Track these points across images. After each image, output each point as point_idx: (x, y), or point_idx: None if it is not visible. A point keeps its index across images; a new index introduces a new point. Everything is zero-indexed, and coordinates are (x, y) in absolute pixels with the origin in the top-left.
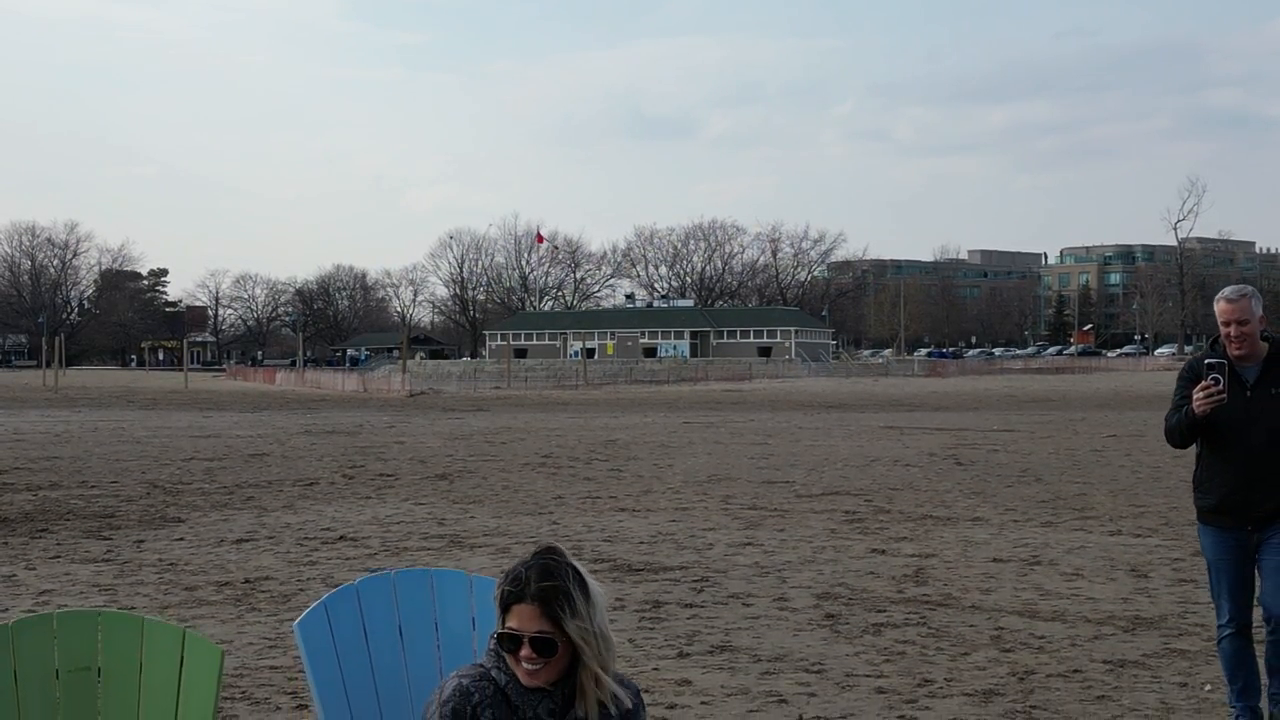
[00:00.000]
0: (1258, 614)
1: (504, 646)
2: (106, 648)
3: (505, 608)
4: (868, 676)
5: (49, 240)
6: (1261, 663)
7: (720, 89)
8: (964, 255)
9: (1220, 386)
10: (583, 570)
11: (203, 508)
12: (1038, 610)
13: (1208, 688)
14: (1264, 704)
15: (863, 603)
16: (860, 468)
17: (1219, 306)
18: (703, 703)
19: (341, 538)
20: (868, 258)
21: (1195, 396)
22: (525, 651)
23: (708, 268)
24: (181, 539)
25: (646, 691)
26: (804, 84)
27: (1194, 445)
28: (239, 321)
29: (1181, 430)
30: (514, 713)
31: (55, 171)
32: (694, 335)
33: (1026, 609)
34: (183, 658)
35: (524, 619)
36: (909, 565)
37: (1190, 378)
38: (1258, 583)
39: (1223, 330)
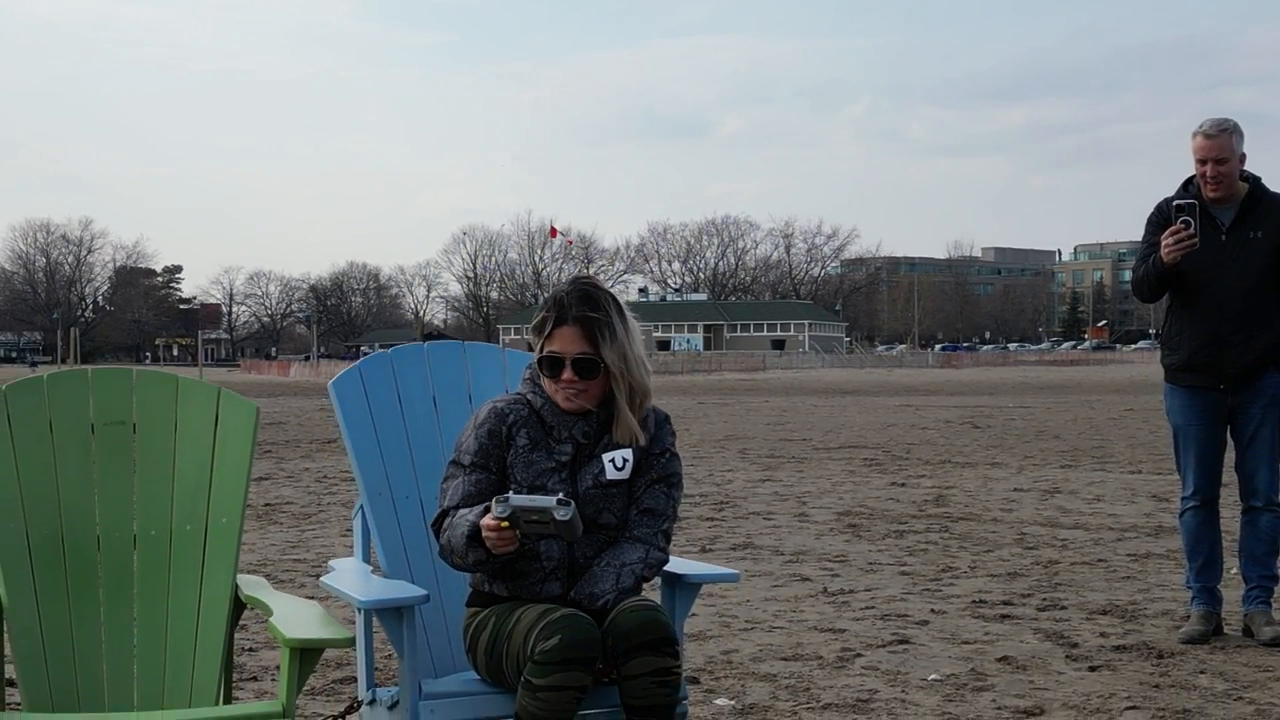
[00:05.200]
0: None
1: (545, 370)
2: (141, 403)
3: (546, 333)
4: (891, 565)
5: (63, 237)
6: (1236, 548)
7: (734, 89)
8: (977, 252)
9: (1191, 230)
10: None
11: None
12: (1060, 522)
13: (1233, 570)
14: (1233, 574)
15: (884, 518)
16: (876, 430)
17: (1195, 142)
18: None
19: None
20: (881, 254)
21: (1164, 242)
22: (566, 374)
23: (721, 263)
24: None
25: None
26: (818, 84)
27: (1165, 299)
28: (253, 318)
29: (1150, 281)
30: (549, 433)
31: (69, 171)
32: (707, 329)
33: (1049, 522)
34: (218, 414)
35: (566, 341)
36: (929, 494)
37: (1159, 222)
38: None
39: (1198, 169)
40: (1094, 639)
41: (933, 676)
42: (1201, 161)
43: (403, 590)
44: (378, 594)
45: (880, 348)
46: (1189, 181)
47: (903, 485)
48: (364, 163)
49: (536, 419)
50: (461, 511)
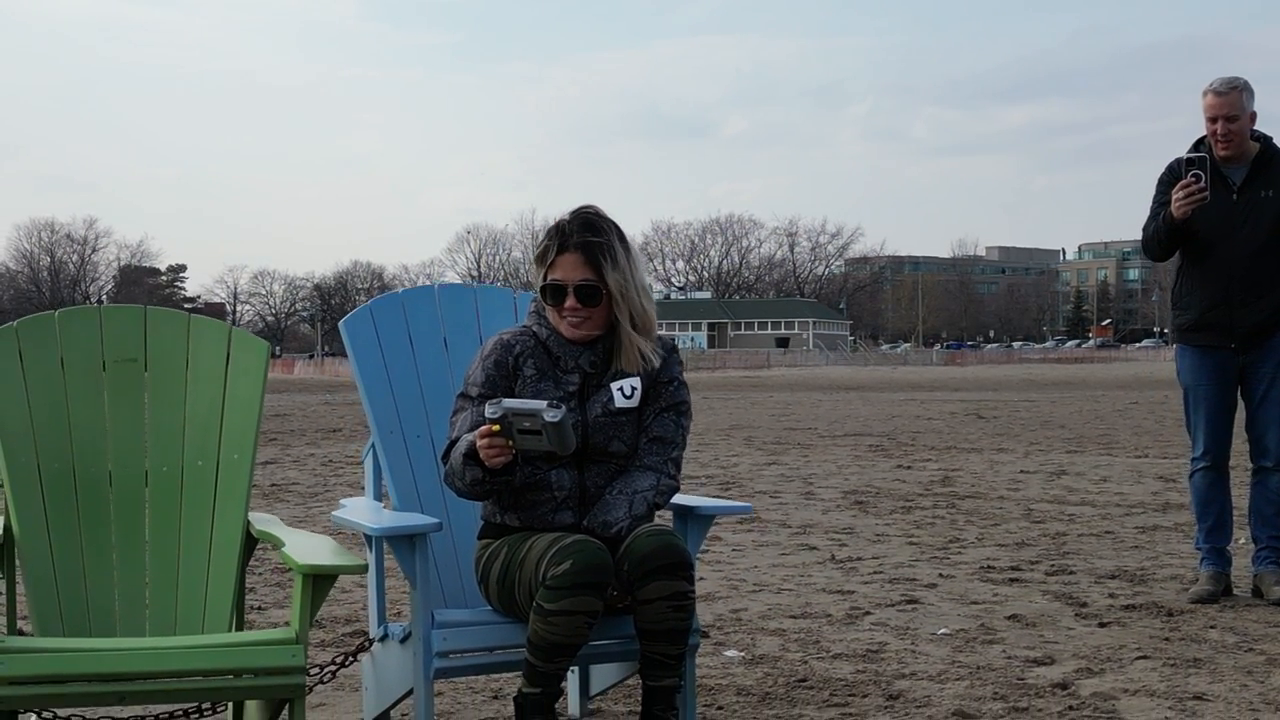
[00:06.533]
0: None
1: (548, 299)
2: (152, 341)
3: (548, 261)
4: (898, 536)
5: (68, 236)
6: (1246, 508)
7: (738, 89)
8: (982, 251)
9: (1202, 184)
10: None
11: None
12: (1067, 500)
13: (1241, 540)
14: (1241, 545)
15: (890, 496)
16: (882, 420)
17: (1205, 100)
18: (734, 550)
19: None
20: (885, 253)
21: (1175, 196)
22: (569, 302)
23: (725, 262)
24: None
25: None
26: (821, 84)
27: (1175, 258)
28: (257, 317)
29: (1160, 237)
30: (555, 363)
31: (73, 171)
32: (711, 327)
33: (1056, 499)
34: (229, 351)
35: (568, 269)
36: (935, 475)
37: (1169, 180)
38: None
39: (1208, 127)
40: (1103, 599)
41: (942, 631)
42: (1212, 119)
43: (415, 519)
44: (390, 522)
45: (884, 346)
46: (1200, 141)
47: (909, 468)
48: (368, 162)
49: (543, 350)
50: (464, 435)
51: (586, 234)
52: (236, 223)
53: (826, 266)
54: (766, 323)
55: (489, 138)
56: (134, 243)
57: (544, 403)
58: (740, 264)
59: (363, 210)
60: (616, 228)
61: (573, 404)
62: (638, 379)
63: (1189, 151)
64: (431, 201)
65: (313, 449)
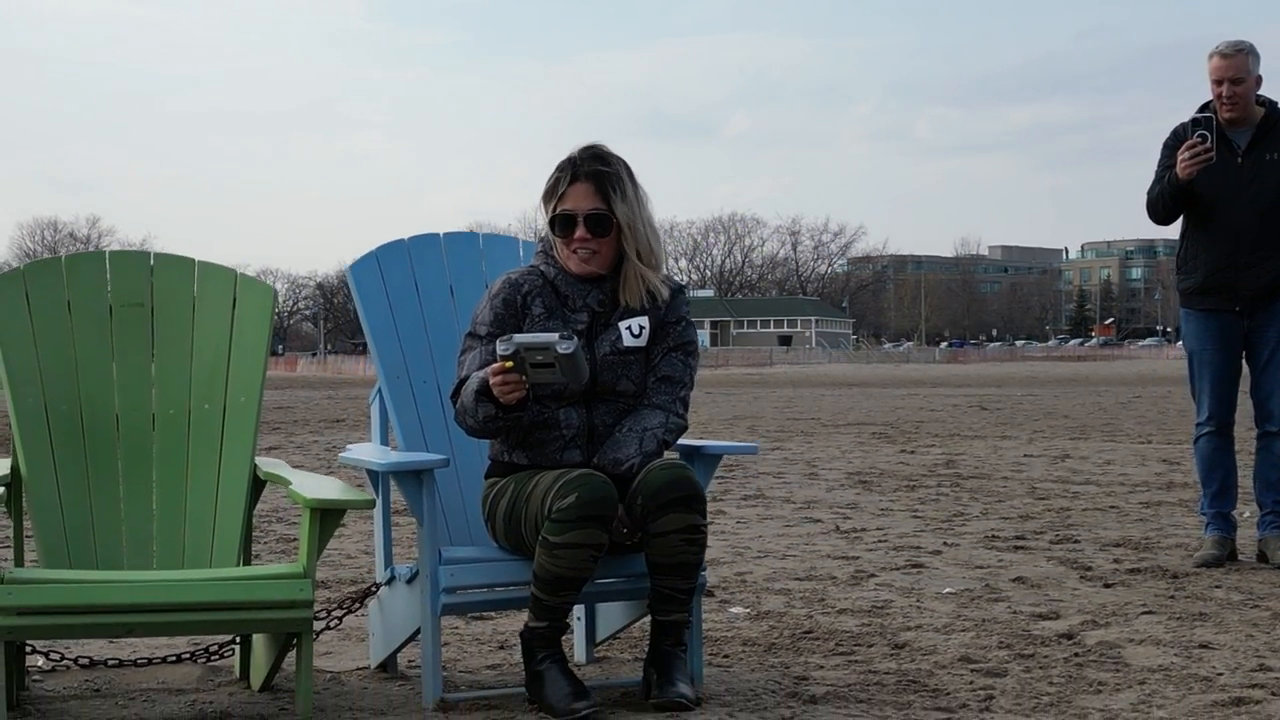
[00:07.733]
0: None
1: (557, 231)
2: (158, 286)
3: (559, 194)
4: (902, 511)
5: (71, 235)
6: (1250, 475)
7: (741, 88)
8: (984, 250)
9: (1208, 144)
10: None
11: None
12: (1071, 480)
13: (1245, 514)
14: (1245, 519)
15: (894, 477)
16: (885, 412)
17: (1211, 63)
18: (739, 523)
19: None
20: (888, 252)
21: (1180, 156)
22: (579, 233)
23: (728, 261)
24: None
25: None
26: (825, 83)
27: (1179, 222)
28: None
29: (1165, 200)
30: (563, 303)
31: (76, 169)
32: (714, 325)
33: (1060, 480)
34: (235, 295)
35: (578, 198)
36: (939, 459)
37: (1174, 144)
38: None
39: (1213, 90)
40: (1108, 564)
41: (947, 590)
42: (1217, 82)
43: (421, 455)
44: (397, 459)
45: (887, 345)
46: (1205, 106)
47: (912, 453)
48: (371, 161)
49: (551, 289)
50: (474, 373)
51: (596, 164)
52: (239, 222)
53: (829, 265)
54: (769, 321)
55: (493, 137)
56: (137, 242)
57: (555, 335)
58: (743, 263)
59: (366, 209)
60: (625, 163)
61: (581, 342)
62: (645, 318)
63: (1195, 114)
64: (435, 201)
65: (316, 437)
